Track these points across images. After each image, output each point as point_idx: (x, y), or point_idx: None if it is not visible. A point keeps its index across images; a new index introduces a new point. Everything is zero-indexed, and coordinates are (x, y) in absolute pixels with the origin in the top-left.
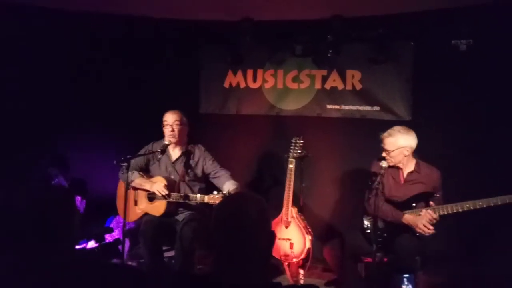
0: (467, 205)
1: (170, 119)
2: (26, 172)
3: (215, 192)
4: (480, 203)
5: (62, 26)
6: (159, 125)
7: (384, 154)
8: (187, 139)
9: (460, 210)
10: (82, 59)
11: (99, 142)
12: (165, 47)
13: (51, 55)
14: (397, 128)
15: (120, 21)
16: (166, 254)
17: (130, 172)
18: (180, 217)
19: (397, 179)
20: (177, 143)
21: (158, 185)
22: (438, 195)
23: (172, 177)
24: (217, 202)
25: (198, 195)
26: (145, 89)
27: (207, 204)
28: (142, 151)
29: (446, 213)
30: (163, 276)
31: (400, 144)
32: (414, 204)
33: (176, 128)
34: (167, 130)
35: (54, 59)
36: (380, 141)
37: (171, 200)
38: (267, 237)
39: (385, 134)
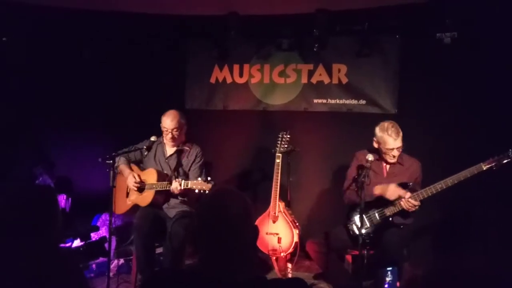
0: (440, 185)
1: (169, 126)
2: (8, 171)
3: (199, 179)
4: (451, 180)
5: (47, 22)
6: (145, 121)
7: (395, 152)
8: (185, 137)
9: (434, 192)
10: (66, 56)
11: (84, 140)
12: (150, 43)
13: (35, 51)
14: (395, 124)
15: (105, 17)
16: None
17: (117, 158)
18: (172, 213)
19: (379, 172)
20: (174, 144)
21: (130, 179)
22: (411, 184)
23: (164, 172)
24: (200, 187)
25: (183, 181)
26: (130, 86)
27: (199, 199)
28: (132, 148)
29: (422, 197)
30: (153, 272)
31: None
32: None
33: (175, 134)
34: (166, 136)
35: (37, 56)
36: (393, 142)
37: (159, 188)
38: (251, 232)
39: (397, 133)
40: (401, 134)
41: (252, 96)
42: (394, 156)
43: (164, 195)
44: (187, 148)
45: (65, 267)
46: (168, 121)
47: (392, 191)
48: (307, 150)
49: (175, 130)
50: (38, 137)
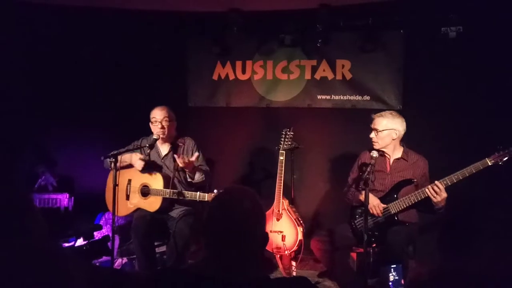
0: (445, 182)
1: (159, 115)
2: (11, 171)
3: (215, 191)
4: (456, 176)
5: (47, 21)
6: (147, 119)
7: (372, 135)
8: (176, 133)
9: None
10: (68, 54)
11: (87, 138)
12: (151, 40)
13: (36, 50)
14: (389, 111)
15: (106, 14)
16: (157, 250)
17: (120, 156)
18: (174, 213)
19: (383, 168)
20: (166, 139)
21: (135, 156)
22: (415, 180)
23: (163, 171)
24: None
25: (198, 193)
26: (132, 84)
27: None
28: (130, 146)
29: (424, 196)
30: (154, 272)
31: (390, 125)
32: (395, 195)
33: (165, 125)
34: (156, 127)
35: (39, 54)
36: (371, 121)
37: (167, 196)
38: (260, 235)
39: (377, 114)
40: (381, 118)
41: (255, 92)
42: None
43: (170, 202)
44: (181, 144)
45: (55, 270)
46: (158, 111)
47: (371, 199)
48: (311, 147)
49: (165, 119)
50: (40, 136)
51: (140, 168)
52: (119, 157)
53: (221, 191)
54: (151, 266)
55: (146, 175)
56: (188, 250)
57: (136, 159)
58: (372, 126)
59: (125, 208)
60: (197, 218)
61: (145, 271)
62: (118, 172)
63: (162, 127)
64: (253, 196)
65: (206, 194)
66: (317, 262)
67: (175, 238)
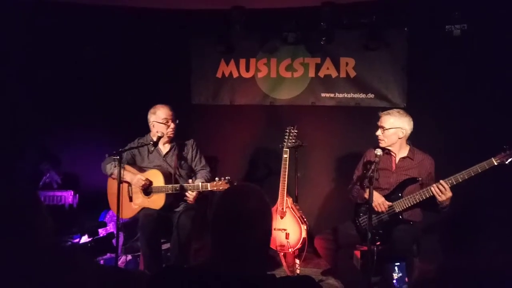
0: (450, 181)
1: (170, 115)
2: (14, 169)
3: (216, 179)
4: (462, 176)
5: (48, 19)
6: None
7: (379, 132)
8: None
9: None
10: (71, 52)
11: (91, 136)
12: (155, 38)
13: (40, 49)
14: (396, 109)
15: (109, 13)
16: (162, 247)
17: (109, 164)
18: (180, 209)
19: (388, 166)
20: (171, 137)
21: (138, 178)
22: (420, 179)
23: (163, 169)
24: (220, 188)
25: (200, 184)
26: (135, 82)
27: (203, 194)
28: (133, 145)
29: (428, 195)
30: (159, 270)
31: (397, 124)
32: (400, 194)
33: (175, 124)
34: (168, 127)
35: (43, 53)
36: (378, 119)
37: (169, 192)
38: (265, 234)
39: (384, 112)
40: (388, 116)
41: (259, 90)
42: (382, 141)
43: (175, 198)
44: (181, 142)
45: (61, 266)
46: (167, 111)
47: (376, 197)
48: (314, 145)
49: (174, 117)
50: (45, 134)
51: (138, 188)
52: (115, 172)
53: (226, 178)
54: (156, 263)
55: (145, 174)
56: (190, 244)
57: (138, 182)
58: (379, 123)
59: (129, 210)
60: (198, 212)
61: (150, 269)
62: (122, 170)
63: (175, 126)
64: (259, 194)
65: (209, 184)
66: (321, 260)
67: (178, 231)
